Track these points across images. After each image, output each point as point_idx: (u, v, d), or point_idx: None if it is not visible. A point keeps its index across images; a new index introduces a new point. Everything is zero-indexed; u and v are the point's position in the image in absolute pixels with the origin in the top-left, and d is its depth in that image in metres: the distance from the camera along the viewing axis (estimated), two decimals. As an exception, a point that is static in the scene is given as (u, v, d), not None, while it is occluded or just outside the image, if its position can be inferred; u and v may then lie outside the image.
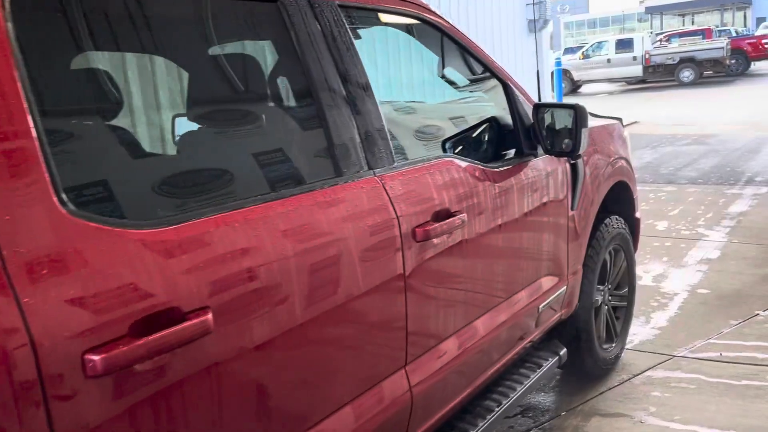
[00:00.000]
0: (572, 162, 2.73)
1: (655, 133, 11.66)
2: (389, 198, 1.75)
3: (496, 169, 2.24)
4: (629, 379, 3.28)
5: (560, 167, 2.64)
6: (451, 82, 2.71)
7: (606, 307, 3.30)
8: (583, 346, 3.07)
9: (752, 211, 6.14)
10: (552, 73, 13.42)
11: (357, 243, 1.61)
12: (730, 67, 21.26)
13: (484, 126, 2.49)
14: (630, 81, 22.32)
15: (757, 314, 3.89)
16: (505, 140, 2.50)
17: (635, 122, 13.17)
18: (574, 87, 22.21)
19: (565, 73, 21.39)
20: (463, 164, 2.09)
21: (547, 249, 2.59)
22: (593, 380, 3.26)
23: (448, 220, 1.91)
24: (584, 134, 2.31)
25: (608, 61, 21.63)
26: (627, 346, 3.60)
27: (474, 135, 2.47)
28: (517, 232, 2.34)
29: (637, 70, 21.42)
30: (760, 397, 2.99)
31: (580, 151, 2.33)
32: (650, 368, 3.37)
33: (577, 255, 2.83)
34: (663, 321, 3.92)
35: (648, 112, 14.67)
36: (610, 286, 3.31)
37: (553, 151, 2.41)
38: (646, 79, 21.89)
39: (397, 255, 1.74)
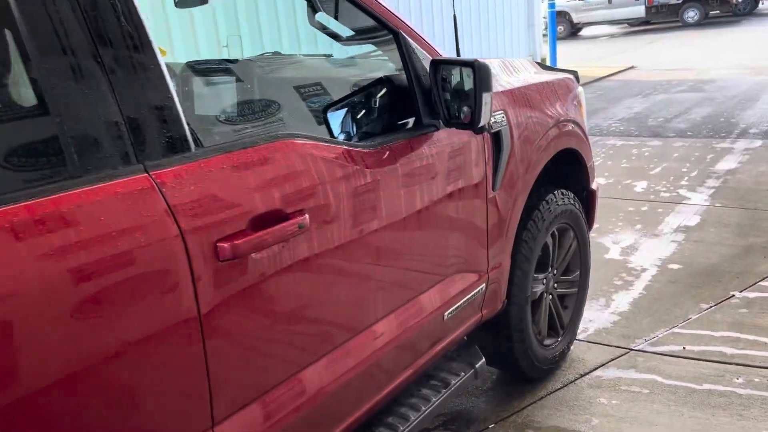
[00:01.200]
0: (492, 132, 2.20)
1: (650, 79, 10.96)
2: (168, 205, 1.24)
3: (368, 150, 1.72)
4: (575, 380, 2.83)
5: (475, 140, 2.11)
6: (330, 33, 2.15)
7: (550, 296, 2.81)
8: (516, 347, 2.60)
9: (741, 168, 5.58)
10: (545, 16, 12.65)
11: (92, 289, 1.11)
12: (737, 6, 20.17)
13: (371, 90, 1.95)
14: (632, 23, 21.27)
15: (732, 296, 3.41)
16: (402, 108, 1.97)
17: (631, 67, 12.45)
18: (574, 30, 21.19)
19: (563, 16, 20.43)
20: (311, 145, 1.56)
21: (455, 244, 2.09)
22: (535, 381, 2.81)
23: (276, 227, 1.41)
24: (486, 101, 1.77)
25: (609, 1, 20.56)
26: (579, 336, 3.14)
27: (353, 103, 1.93)
28: (403, 231, 1.84)
29: (639, 11, 20.34)
30: (722, 408, 2.53)
31: (483, 122, 1.80)
32: (601, 365, 2.91)
33: (501, 244, 2.33)
34: (625, 304, 3.44)
35: (647, 56, 13.89)
36: (555, 272, 2.82)
37: (451, 122, 1.88)
38: (650, 21, 20.84)
39: (179, 290, 1.24)
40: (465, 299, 2.15)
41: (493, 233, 2.26)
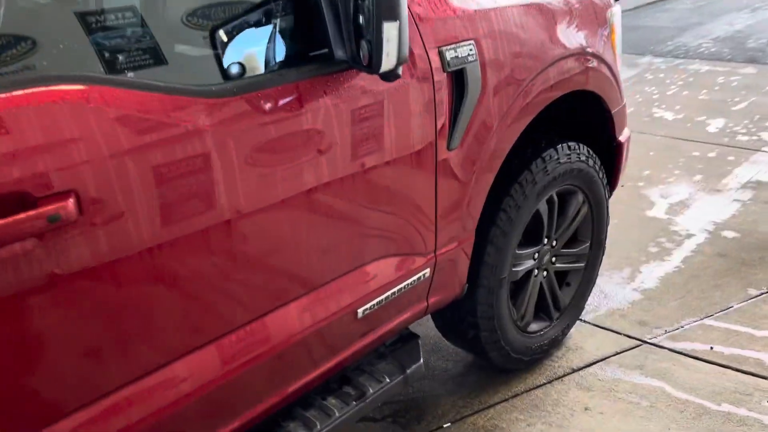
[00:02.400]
0: (451, 70, 1.62)
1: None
2: None
3: (218, 98, 1.20)
4: (563, 375, 2.32)
5: (416, 83, 1.55)
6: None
7: (544, 273, 2.27)
8: (484, 336, 2.11)
9: None
10: None
11: None
12: None
13: (271, 7, 1.40)
14: None
15: (794, 282, 2.74)
16: (313, 36, 1.42)
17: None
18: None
19: None
20: (103, 92, 1.07)
21: (377, 223, 1.57)
22: (515, 370, 2.33)
23: (14, 217, 0.96)
24: (390, 35, 1.20)
25: None
26: (585, 317, 2.60)
27: (244, 25, 1.39)
28: (278, 216, 1.34)
29: None
30: (737, 442, 1.99)
31: (387, 66, 1.23)
32: (601, 360, 2.38)
33: (460, 218, 1.80)
34: (653, 279, 2.84)
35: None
36: (553, 245, 2.26)
37: (354, 63, 1.33)
38: None
39: None
40: (395, 290, 1.66)
41: (445, 205, 1.73)
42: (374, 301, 1.62)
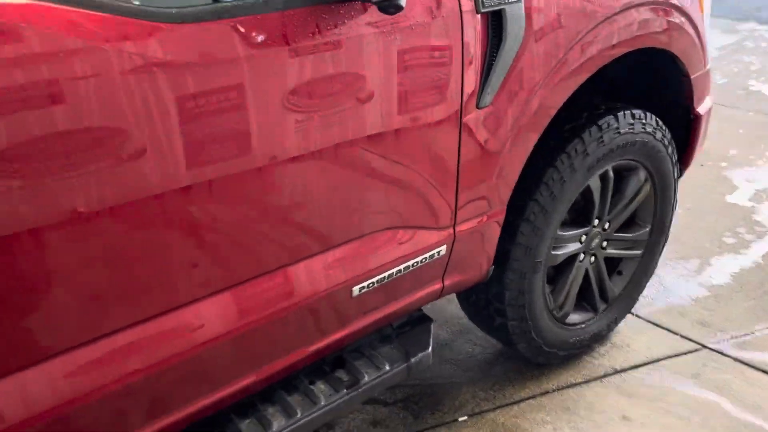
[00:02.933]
0: (486, 10, 1.34)
1: None
2: None
3: (187, 24, 0.98)
4: (603, 376, 2.04)
5: (442, 22, 1.28)
6: None
7: (591, 258, 1.98)
8: (512, 326, 1.85)
9: None
10: None
11: None
12: None
13: None
14: None
15: None
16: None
17: None
18: None
19: None
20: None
21: (384, 185, 1.33)
22: (548, 365, 2.07)
23: None
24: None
25: None
26: (639, 311, 2.29)
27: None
28: (259, 177, 1.12)
29: None
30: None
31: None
32: (651, 362, 2.08)
33: (488, 189, 1.53)
34: (724, 275, 2.48)
35: None
36: (605, 227, 1.96)
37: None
38: None
39: None
40: (400, 268, 1.43)
41: (469, 173, 1.46)
42: (373, 279, 1.39)
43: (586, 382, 2.02)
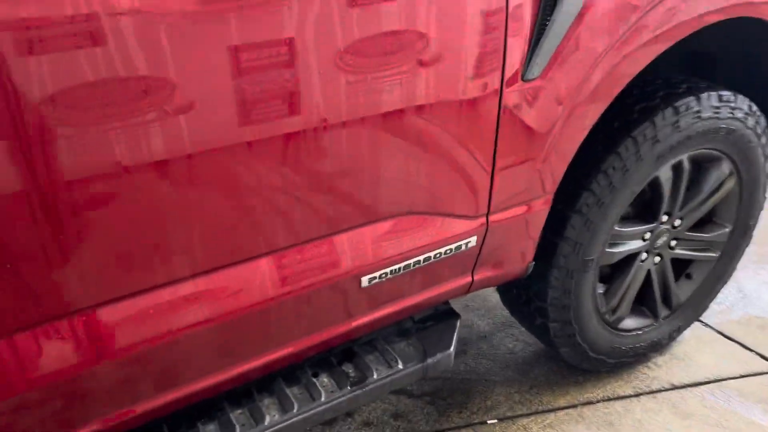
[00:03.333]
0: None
1: None
2: None
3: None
4: (654, 391, 1.81)
5: (480, -25, 1.07)
6: None
7: (656, 259, 1.74)
8: (554, 328, 1.65)
9: None
10: None
11: None
12: None
13: None
14: None
15: None
16: None
17: None
18: None
19: None
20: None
21: (404, 165, 1.15)
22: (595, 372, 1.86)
23: None
24: None
25: None
26: (708, 319, 2.03)
27: None
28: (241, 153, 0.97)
29: None
30: None
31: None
32: (713, 381, 1.83)
33: (530, 173, 1.32)
34: (817, 286, 2.17)
35: None
36: (676, 224, 1.71)
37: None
38: None
39: None
40: (419, 258, 1.26)
41: (508, 155, 1.26)
42: (385, 270, 1.23)
43: (637, 395, 1.80)
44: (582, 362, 1.77)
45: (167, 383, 1.10)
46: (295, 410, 1.27)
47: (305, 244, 1.12)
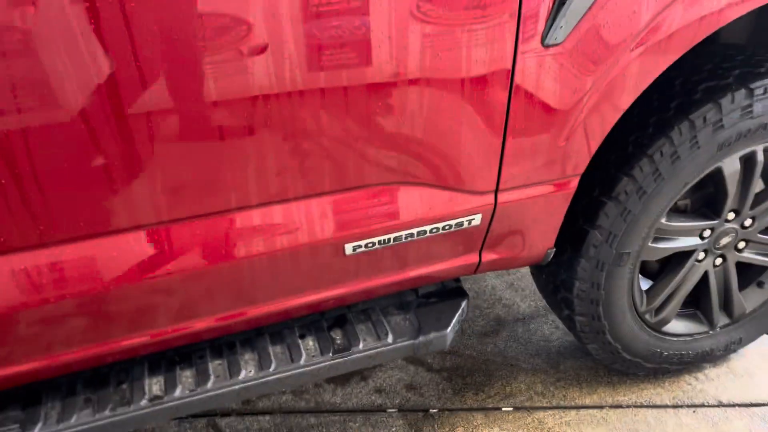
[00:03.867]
0: None
1: None
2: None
3: None
4: (696, 405, 1.62)
5: None
6: None
7: (718, 260, 1.54)
8: (580, 322, 1.50)
9: None
10: None
11: None
12: None
13: None
14: None
15: None
16: None
17: None
18: None
19: None
20: None
21: (402, 130, 1.05)
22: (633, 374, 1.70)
23: None
24: None
25: None
26: (784, 335, 1.78)
27: None
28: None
29: None
30: None
31: None
32: (765, 405, 1.62)
33: (550, 150, 1.17)
34: None
35: None
36: (746, 224, 1.49)
37: None
38: None
39: None
40: (411, 231, 1.16)
41: (521, 128, 1.11)
42: (372, 240, 1.15)
43: (675, 406, 1.62)
44: (614, 362, 1.61)
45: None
46: (271, 369, 1.24)
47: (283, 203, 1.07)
